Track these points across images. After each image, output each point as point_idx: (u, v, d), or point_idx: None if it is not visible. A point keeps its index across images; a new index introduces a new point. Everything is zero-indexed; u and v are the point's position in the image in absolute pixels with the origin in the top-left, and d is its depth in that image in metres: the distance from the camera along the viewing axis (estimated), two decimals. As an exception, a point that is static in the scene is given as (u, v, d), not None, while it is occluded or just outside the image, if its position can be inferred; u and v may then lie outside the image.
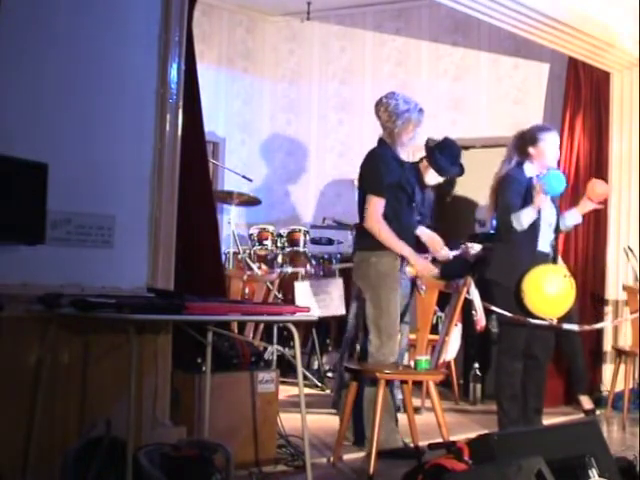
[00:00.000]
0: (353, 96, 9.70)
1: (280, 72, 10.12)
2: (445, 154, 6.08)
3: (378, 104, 5.47)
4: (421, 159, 6.32)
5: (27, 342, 3.94)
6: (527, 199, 5.71)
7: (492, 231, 8.03)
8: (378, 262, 5.29)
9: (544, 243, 5.82)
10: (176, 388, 4.63)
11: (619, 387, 7.08)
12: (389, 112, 5.40)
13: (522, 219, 5.64)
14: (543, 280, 5.64)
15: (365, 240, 5.37)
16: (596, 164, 7.94)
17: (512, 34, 7.63)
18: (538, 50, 8.38)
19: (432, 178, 6.32)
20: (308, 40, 9.96)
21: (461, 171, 6.07)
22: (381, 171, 5.32)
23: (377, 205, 5.28)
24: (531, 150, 5.81)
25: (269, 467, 4.82)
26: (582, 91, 8.01)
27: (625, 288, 7.45)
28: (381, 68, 9.56)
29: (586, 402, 7.27)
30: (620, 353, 7.14)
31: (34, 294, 3.88)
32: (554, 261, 5.95)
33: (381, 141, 5.48)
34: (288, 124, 10.07)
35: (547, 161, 5.84)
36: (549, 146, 5.85)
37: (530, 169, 5.81)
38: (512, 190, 5.74)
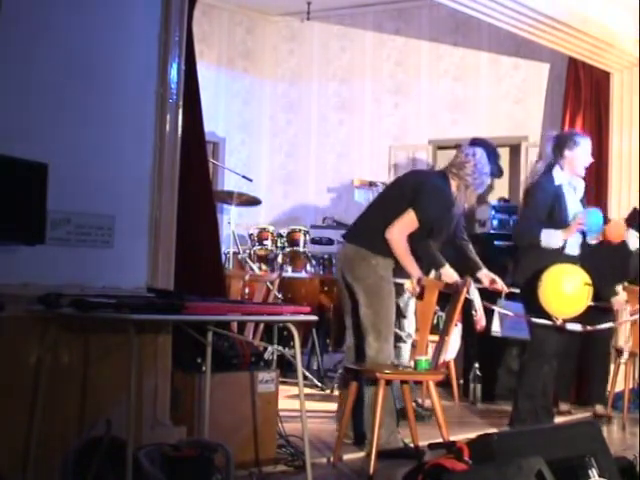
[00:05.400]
0: (353, 96, 9.70)
1: (280, 72, 10.12)
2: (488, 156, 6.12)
3: (468, 155, 5.40)
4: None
5: (27, 342, 3.94)
6: (555, 206, 5.76)
7: (492, 231, 8.05)
8: (378, 265, 5.25)
9: (572, 246, 5.85)
10: (176, 388, 4.63)
11: (619, 387, 7.07)
12: (476, 170, 5.38)
13: (551, 241, 5.75)
14: (562, 278, 5.69)
15: (368, 239, 5.29)
16: (596, 164, 7.91)
17: (512, 34, 7.63)
18: (538, 50, 8.39)
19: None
20: (308, 40, 9.96)
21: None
22: (434, 204, 5.30)
23: (410, 222, 5.22)
24: (567, 153, 5.86)
25: (269, 467, 4.81)
26: (582, 91, 8.02)
27: (625, 288, 7.43)
28: (381, 68, 9.56)
29: (601, 409, 7.22)
30: (620, 353, 7.13)
31: (34, 294, 3.87)
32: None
33: (445, 176, 5.43)
34: (288, 124, 10.07)
35: (578, 167, 5.93)
36: (583, 152, 5.93)
37: (560, 175, 5.85)
38: (538, 200, 5.82)
